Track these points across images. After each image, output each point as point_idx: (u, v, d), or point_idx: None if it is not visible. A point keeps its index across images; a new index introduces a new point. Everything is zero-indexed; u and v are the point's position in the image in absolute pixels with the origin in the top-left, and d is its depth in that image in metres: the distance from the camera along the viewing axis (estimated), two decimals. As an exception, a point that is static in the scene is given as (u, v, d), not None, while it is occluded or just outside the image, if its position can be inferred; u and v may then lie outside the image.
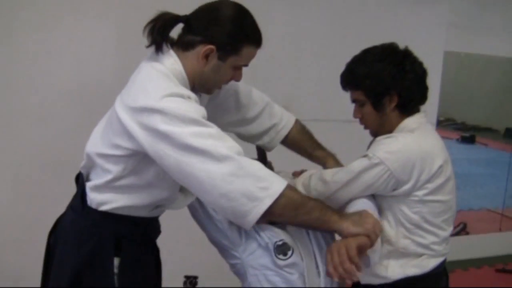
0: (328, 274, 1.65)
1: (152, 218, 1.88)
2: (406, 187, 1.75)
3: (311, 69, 3.67)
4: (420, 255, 1.82)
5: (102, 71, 3.25)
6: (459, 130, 11.37)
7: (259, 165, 1.56)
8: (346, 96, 1.94)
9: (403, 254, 1.81)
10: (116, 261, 1.75)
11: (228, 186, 1.46)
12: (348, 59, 1.91)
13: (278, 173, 1.87)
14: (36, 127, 3.17)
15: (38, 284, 3.24)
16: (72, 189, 3.27)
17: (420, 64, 1.84)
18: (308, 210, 1.57)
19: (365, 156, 1.78)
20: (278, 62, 3.46)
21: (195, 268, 3.10)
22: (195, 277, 3.01)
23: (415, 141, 1.77)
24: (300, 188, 1.86)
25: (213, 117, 1.66)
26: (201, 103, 1.69)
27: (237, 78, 1.77)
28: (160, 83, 1.58)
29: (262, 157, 2.06)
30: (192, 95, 1.60)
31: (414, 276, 1.80)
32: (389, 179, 1.73)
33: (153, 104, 1.49)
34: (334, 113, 2.67)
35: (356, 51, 1.94)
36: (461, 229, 5.22)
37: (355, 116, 1.90)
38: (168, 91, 1.52)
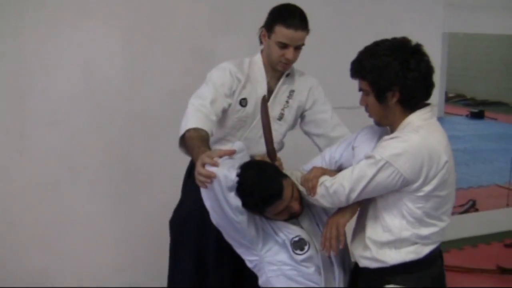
0: (323, 246, 1.94)
1: None
2: (416, 185, 1.82)
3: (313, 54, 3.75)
4: (418, 243, 1.90)
5: (110, 73, 3.37)
6: (469, 105, 11.39)
7: (192, 111, 2.19)
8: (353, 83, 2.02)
9: (402, 243, 1.89)
10: None
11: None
12: (348, 43, 1.96)
13: (291, 173, 2.04)
14: (47, 129, 3.29)
15: (61, 282, 3.41)
16: (85, 188, 3.43)
17: (426, 62, 1.87)
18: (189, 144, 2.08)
19: (371, 157, 1.84)
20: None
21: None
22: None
23: (422, 140, 1.82)
24: (320, 191, 1.92)
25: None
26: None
27: (287, 55, 2.29)
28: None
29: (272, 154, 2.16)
30: (233, 70, 2.35)
31: (411, 261, 1.89)
32: (398, 179, 1.80)
33: None
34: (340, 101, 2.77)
35: (356, 35, 2.00)
36: (470, 207, 5.30)
37: (361, 103, 1.96)
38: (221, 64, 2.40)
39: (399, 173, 1.79)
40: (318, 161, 2.12)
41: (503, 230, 4.82)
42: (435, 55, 4.23)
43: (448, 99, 11.29)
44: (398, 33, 3.91)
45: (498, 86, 11.44)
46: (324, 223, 2.02)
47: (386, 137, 1.88)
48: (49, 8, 3.19)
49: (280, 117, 2.45)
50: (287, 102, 2.45)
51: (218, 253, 2.36)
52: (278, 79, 2.43)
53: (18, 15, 3.14)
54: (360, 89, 1.93)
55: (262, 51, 2.43)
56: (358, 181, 1.84)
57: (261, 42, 2.41)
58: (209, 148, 2.03)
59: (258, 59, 2.43)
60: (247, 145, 2.19)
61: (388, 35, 2.10)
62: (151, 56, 3.37)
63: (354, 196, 1.86)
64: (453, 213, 5.06)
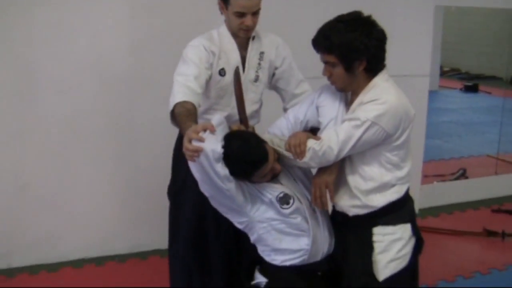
0: (314, 203, 2.15)
1: None
2: (394, 137, 2.07)
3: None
4: (397, 184, 2.14)
5: (115, 42, 3.55)
6: (464, 79, 11.48)
7: (177, 86, 2.32)
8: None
9: (385, 187, 2.12)
10: None
11: None
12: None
13: (269, 138, 2.22)
14: (57, 97, 3.49)
15: (68, 242, 3.59)
16: (90, 152, 3.58)
17: (382, 31, 2.09)
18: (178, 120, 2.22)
19: (355, 119, 2.03)
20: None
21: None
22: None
23: (396, 99, 2.05)
24: (309, 154, 2.08)
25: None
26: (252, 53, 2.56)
27: (246, 22, 2.41)
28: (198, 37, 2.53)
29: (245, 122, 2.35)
30: (207, 45, 2.46)
31: (394, 201, 2.13)
32: (382, 135, 2.04)
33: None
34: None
35: (344, 7, 2.15)
36: (460, 175, 5.49)
37: (324, 74, 2.15)
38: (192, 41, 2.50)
39: (383, 130, 2.02)
40: (283, 123, 2.32)
41: (491, 197, 5.02)
42: (427, 28, 4.43)
43: (443, 73, 11.39)
44: (390, 7, 4.08)
45: (493, 61, 11.52)
46: (298, 176, 2.24)
47: (364, 99, 2.08)
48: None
49: (256, 79, 2.60)
50: (259, 64, 2.59)
51: (217, 220, 2.46)
52: (247, 44, 2.57)
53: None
54: (325, 62, 2.11)
55: (225, 21, 2.54)
56: (346, 142, 2.04)
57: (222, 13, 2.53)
58: (195, 122, 2.15)
59: (224, 30, 2.54)
60: (232, 112, 2.47)
61: (380, 9, 2.27)
62: (154, 27, 3.52)
63: (342, 155, 2.07)
64: (444, 180, 5.22)
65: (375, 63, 2.09)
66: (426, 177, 5.13)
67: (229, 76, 2.48)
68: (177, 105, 2.25)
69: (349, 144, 2.04)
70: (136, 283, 3.44)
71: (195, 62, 2.41)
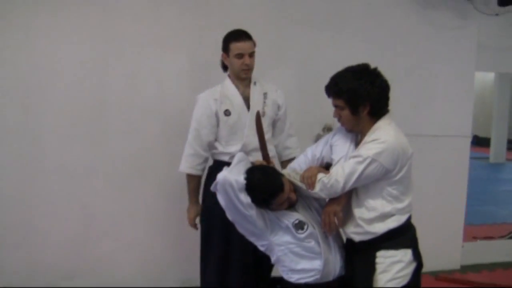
0: (324, 229, 2.47)
1: None
2: (393, 173, 2.38)
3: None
4: (396, 214, 2.42)
5: (178, 93, 4.04)
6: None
7: (188, 150, 3.21)
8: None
9: (386, 216, 2.41)
10: None
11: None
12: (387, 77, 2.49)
13: (287, 173, 2.59)
14: (125, 138, 4.00)
15: (126, 268, 3.94)
16: (152, 188, 4.00)
17: (385, 81, 2.43)
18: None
19: (358, 156, 2.36)
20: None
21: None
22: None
23: (395, 139, 2.37)
24: (318, 186, 2.43)
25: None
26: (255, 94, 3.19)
27: (245, 61, 3.09)
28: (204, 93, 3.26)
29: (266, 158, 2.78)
30: (207, 96, 3.20)
31: (394, 228, 2.41)
32: (381, 170, 2.35)
33: None
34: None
35: (394, 74, 2.53)
36: (510, 238, 5.52)
37: (334, 116, 2.51)
38: (199, 100, 3.26)
39: (382, 166, 2.34)
40: (302, 159, 2.68)
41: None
42: (469, 91, 4.68)
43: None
44: (432, 71, 4.37)
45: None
46: (315, 207, 2.58)
47: (367, 139, 2.40)
48: (128, 39, 3.96)
49: (263, 114, 3.11)
50: (264, 102, 3.20)
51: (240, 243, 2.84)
52: (248, 87, 3.19)
53: (106, 43, 3.92)
54: (335, 106, 2.47)
55: (228, 75, 3.23)
56: (350, 175, 2.36)
57: (225, 70, 3.26)
58: (197, 196, 3.32)
59: (227, 81, 3.23)
60: (246, 141, 3.10)
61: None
62: (210, 79, 3.93)
63: (347, 187, 2.39)
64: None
65: (377, 108, 2.42)
66: (475, 239, 5.27)
67: (235, 115, 3.15)
68: (188, 175, 3.28)
69: (353, 177, 2.36)
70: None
71: (199, 124, 3.19)
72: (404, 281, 2.38)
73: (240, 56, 3.09)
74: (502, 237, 5.55)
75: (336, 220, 2.46)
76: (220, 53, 3.25)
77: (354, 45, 4.21)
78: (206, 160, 3.27)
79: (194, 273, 3.90)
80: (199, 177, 3.27)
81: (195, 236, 3.86)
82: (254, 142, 2.95)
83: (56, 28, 3.81)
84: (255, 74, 3.26)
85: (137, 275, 4.13)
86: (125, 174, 4.03)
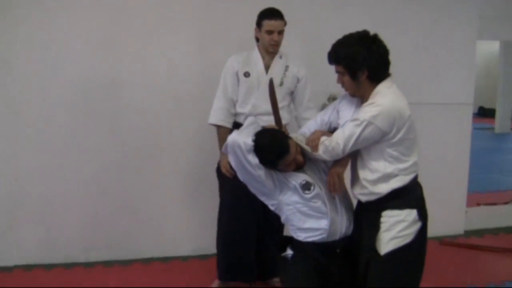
0: (329, 189, 2.57)
1: None
2: (390, 135, 2.45)
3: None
4: (400, 174, 2.50)
5: (188, 73, 4.18)
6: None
7: (216, 104, 3.53)
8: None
9: (389, 177, 2.49)
10: None
11: None
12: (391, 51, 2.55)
13: (295, 136, 2.69)
14: (137, 116, 4.14)
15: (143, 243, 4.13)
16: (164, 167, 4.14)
17: (383, 46, 2.50)
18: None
19: (356, 119, 2.45)
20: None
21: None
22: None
23: (391, 102, 2.44)
24: (321, 148, 2.54)
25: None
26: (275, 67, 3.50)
27: (274, 38, 3.40)
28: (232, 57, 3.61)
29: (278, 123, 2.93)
30: (233, 61, 3.54)
31: (398, 188, 2.49)
32: (378, 133, 2.43)
33: None
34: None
35: (394, 43, 2.60)
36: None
37: (338, 82, 2.59)
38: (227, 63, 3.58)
39: (378, 128, 2.42)
40: (312, 124, 2.78)
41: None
42: (470, 60, 4.75)
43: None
44: (435, 41, 4.45)
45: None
46: (323, 169, 2.67)
47: (365, 103, 2.50)
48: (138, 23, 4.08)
49: (281, 83, 3.48)
50: (284, 73, 3.50)
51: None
52: (273, 59, 3.50)
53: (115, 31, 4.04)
54: (337, 72, 2.56)
55: (258, 46, 3.53)
56: (349, 138, 2.46)
57: (257, 40, 3.51)
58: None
59: (255, 50, 3.55)
60: (256, 102, 3.44)
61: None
62: (219, 55, 4.01)
63: (347, 149, 2.49)
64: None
65: (376, 73, 2.49)
66: (479, 205, 5.38)
67: (254, 78, 3.48)
68: (218, 126, 3.54)
69: (352, 140, 2.45)
70: (197, 281, 3.89)
71: (226, 86, 3.51)
72: (406, 240, 2.47)
73: (270, 32, 3.39)
74: (505, 203, 5.65)
75: (338, 181, 2.57)
76: (229, 31, 3.73)
77: (357, 19, 4.17)
78: (232, 114, 3.55)
79: (206, 243, 4.15)
80: (227, 129, 3.44)
81: (207, 207, 4.05)
82: (263, 106, 3.35)
83: (71, 5, 3.94)
84: (283, 50, 3.54)
85: (151, 246, 4.30)
86: (138, 151, 4.18)
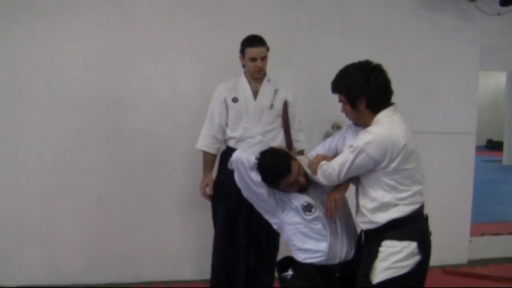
0: (326, 214, 2.61)
1: None
2: (383, 164, 2.45)
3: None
4: (399, 204, 2.48)
5: (190, 97, 4.24)
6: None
7: (204, 130, 3.62)
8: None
9: (387, 206, 2.49)
10: None
11: None
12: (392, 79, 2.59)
13: (301, 158, 2.75)
14: (141, 138, 4.21)
15: (143, 262, 4.10)
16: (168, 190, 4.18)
17: (384, 76, 2.52)
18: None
19: (351, 146, 2.49)
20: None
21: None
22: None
23: (385, 130, 2.44)
24: (319, 172, 2.60)
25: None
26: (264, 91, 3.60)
27: (257, 64, 3.49)
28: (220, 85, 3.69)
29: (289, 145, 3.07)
30: (221, 88, 3.64)
31: (397, 218, 2.48)
32: (371, 161, 2.44)
33: None
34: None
35: (398, 73, 2.66)
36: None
37: (342, 111, 2.64)
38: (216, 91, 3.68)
39: (370, 156, 2.43)
40: (320, 147, 2.82)
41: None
42: (472, 89, 4.80)
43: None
44: (438, 71, 4.51)
45: None
46: (327, 192, 2.68)
47: (361, 132, 2.52)
48: (145, 47, 4.18)
49: (271, 106, 3.58)
50: (274, 96, 3.60)
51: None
52: (261, 83, 3.60)
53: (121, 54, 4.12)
54: (340, 101, 2.60)
55: (244, 72, 3.63)
56: (343, 164, 2.49)
57: (243, 66, 3.60)
58: (210, 170, 3.69)
59: (242, 75, 3.66)
60: (249, 127, 3.53)
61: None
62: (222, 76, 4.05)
63: (342, 175, 2.52)
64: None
65: (374, 102, 2.51)
66: (483, 235, 5.36)
67: (241, 103, 3.58)
68: (204, 152, 3.67)
69: (345, 166, 2.48)
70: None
71: (213, 113, 3.61)
72: (401, 272, 2.44)
73: (253, 59, 3.50)
74: (510, 233, 5.62)
75: (335, 206, 2.59)
76: (232, 57, 3.63)
77: (361, 47, 4.32)
78: (219, 141, 3.67)
79: (209, 266, 4.00)
80: (212, 155, 3.68)
81: (210, 231, 4.00)
82: (254, 129, 3.51)
83: (77, 29, 4.03)
84: (270, 73, 3.65)
85: (153, 269, 4.30)
86: (141, 174, 4.22)
